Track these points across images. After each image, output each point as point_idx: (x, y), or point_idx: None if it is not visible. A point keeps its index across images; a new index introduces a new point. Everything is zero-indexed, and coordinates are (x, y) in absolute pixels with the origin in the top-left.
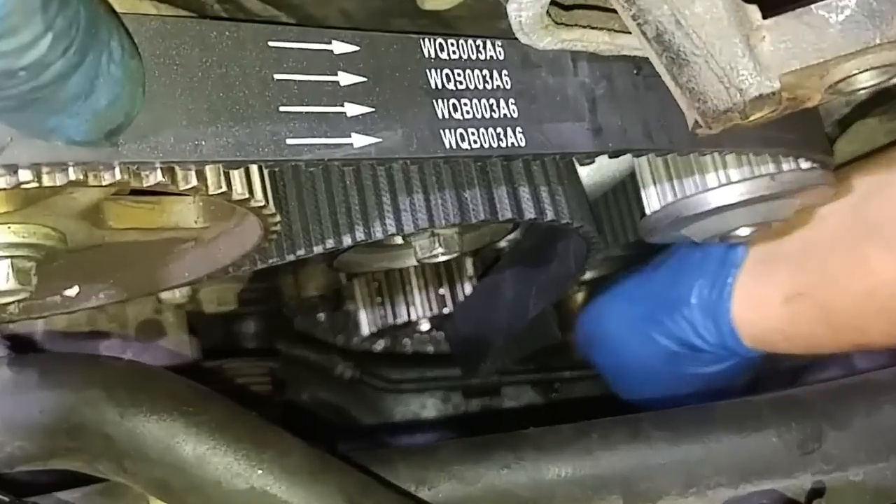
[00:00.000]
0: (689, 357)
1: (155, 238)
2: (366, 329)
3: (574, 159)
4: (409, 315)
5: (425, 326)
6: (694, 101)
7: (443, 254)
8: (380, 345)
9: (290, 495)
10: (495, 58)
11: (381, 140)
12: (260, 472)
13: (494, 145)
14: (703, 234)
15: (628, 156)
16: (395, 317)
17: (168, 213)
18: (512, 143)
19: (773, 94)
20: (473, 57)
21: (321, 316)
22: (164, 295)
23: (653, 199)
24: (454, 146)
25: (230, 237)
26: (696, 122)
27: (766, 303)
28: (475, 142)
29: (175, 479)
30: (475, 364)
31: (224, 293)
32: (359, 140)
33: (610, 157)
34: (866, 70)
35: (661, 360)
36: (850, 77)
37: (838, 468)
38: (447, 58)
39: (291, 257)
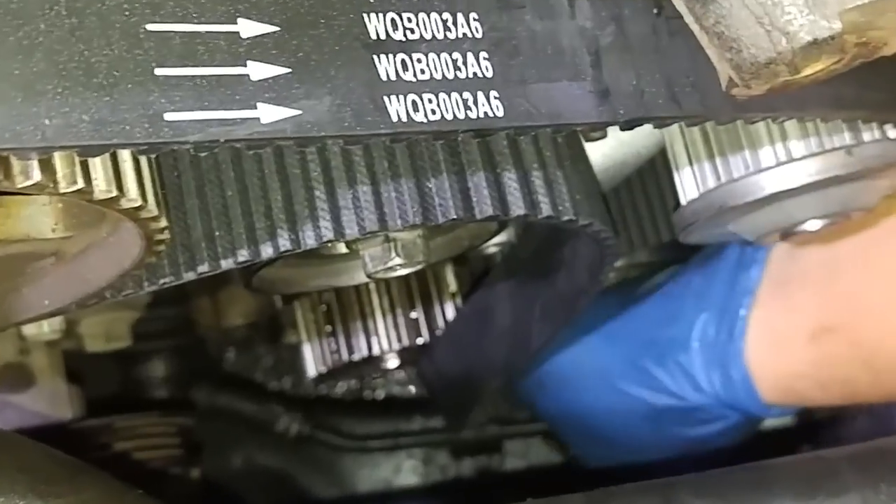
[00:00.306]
0: (678, 415)
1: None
2: (312, 368)
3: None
4: (369, 349)
5: (393, 363)
6: (725, 51)
7: (402, 265)
8: (339, 389)
9: None
10: None
11: (299, 112)
12: None
13: (461, 116)
14: (757, 231)
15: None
16: (350, 351)
17: (14, 218)
18: (485, 113)
19: (833, 38)
20: None
21: (258, 353)
22: (28, 330)
23: (689, 185)
24: (404, 118)
25: (102, 250)
26: (731, 79)
27: (789, 341)
28: (433, 112)
29: None
30: (463, 412)
31: (114, 325)
32: (269, 113)
33: (622, 129)
34: None
35: (640, 418)
36: None
37: None
38: None
39: (191, 275)
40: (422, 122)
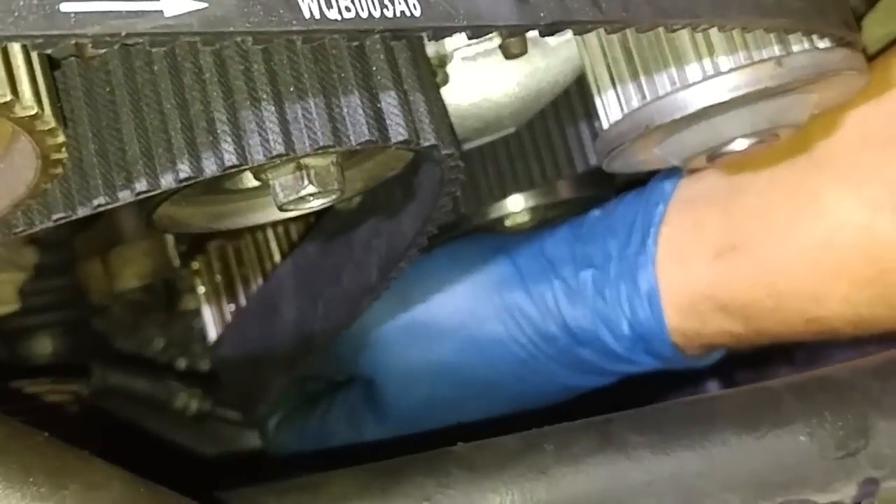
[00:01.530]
0: (563, 354)
1: None
2: (213, 331)
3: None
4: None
5: None
6: None
7: (315, 195)
8: None
9: None
10: None
11: (206, 6)
12: None
13: (376, 15)
14: (684, 153)
15: (573, 54)
16: None
17: None
18: (402, 13)
19: None
20: None
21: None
22: None
23: (612, 107)
24: (317, 15)
25: None
26: None
27: (695, 257)
28: (347, 9)
29: None
30: (251, 404)
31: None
32: (173, 5)
33: (543, 34)
34: None
35: (511, 360)
36: None
37: (894, 473)
38: None
39: (85, 210)
40: (335, 20)
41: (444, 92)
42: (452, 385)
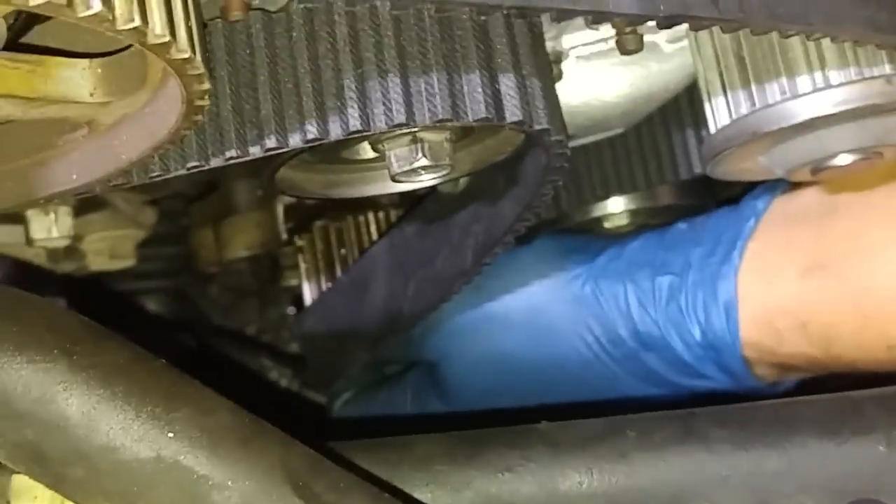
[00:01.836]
0: (629, 360)
1: (35, 115)
2: None
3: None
4: None
5: None
6: None
7: (427, 168)
8: None
9: (212, 468)
10: None
11: None
12: (171, 435)
13: None
14: (788, 163)
15: (685, 61)
16: None
17: (54, 78)
18: None
19: None
20: None
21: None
22: (37, 234)
23: (721, 112)
24: None
25: (137, 122)
26: None
27: (780, 273)
28: None
29: (52, 442)
30: (330, 377)
31: (119, 243)
32: None
33: (660, 26)
34: None
35: (576, 360)
36: None
37: None
38: None
39: (217, 161)
40: None
41: (557, 88)
42: (516, 377)
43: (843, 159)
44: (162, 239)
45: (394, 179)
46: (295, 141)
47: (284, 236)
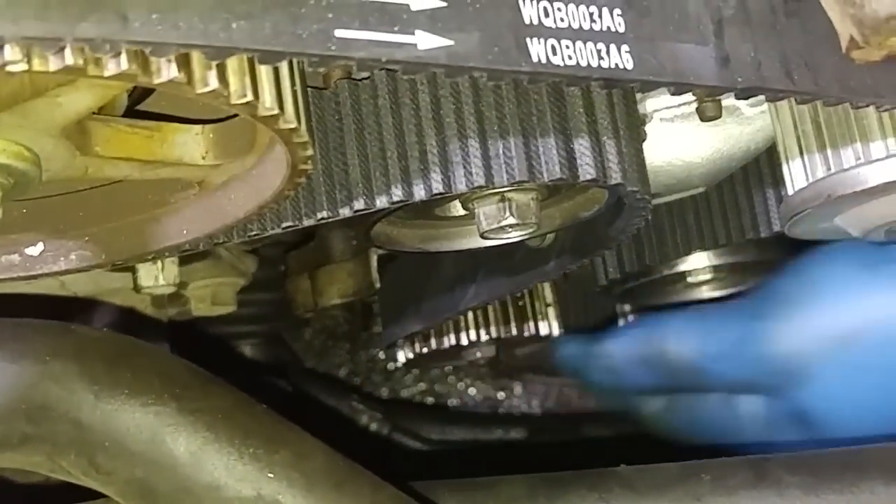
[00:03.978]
0: None
1: (151, 176)
2: (401, 355)
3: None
4: (457, 337)
5: (488, 352)
6: (849, 7)
7: (514, 226)
8: (419, 391)
9: None
10: None
11: (452, 43)
12: (271, 476)
13: (594, 64)
14: (863, 225)
15: (765, 124)
16: (439, 339)
17: (170, 143)
18: (616, 65)
19: None
20: None
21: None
22: (144, 281)
23: (797, 174)
24: (543, 59)
25: (244, 182)
26: (852, 38)
27: None
28: (569, 57)
29: (162, 480)
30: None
31: (220, 290)
32: (425, 40)
33: (738, 97)
34: None
35: None
36: None
37: None
38: None
39: (310, 221)
40: (558, 66)
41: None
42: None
43: None
44: (260, 285)
45: (482, 236)
46: (382, 202)
47: (378, 284)
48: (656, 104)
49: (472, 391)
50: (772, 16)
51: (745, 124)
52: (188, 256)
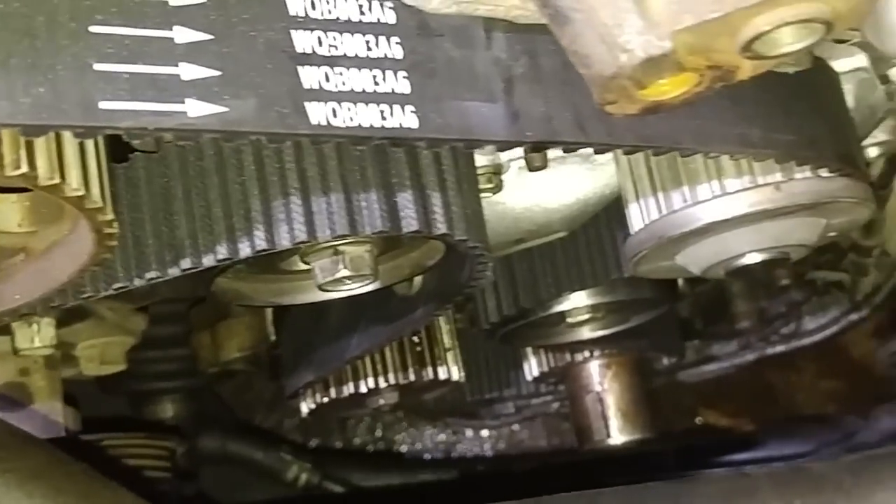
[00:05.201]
0: None
1: None
2: (303, 406)
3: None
4: (356, 386)
5: (391, 398)
6: (581, 68)
7: (350, 278)
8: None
9: None
10: (384, 21)
11: (226, 110)
12: None
13: (377, 124)
14: (700, 263)
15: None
16: (338, 387)
17: None
18: (400, 124)
19: (666, 55)
20: (355, 19)
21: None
22: (22, 344)
23: (635, 217)
24: (323, 122)
25: (64, 247)
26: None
27: None
28: (351, 119)
29: None
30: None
31: (108, 349)
32: (196, 108)
33: (529, 152)
34: (783, 26)
35: None
36: (765, 35)
37: None
38: (320, 17)
39: (140, 281)
40: (339, 127)
41: (500, 197)
42: None
43: (751, 258)
44: (173, 341)
45: (320, 289)
46: (208, 261)
47: (273, 338)
48: (511, 154)
49: (426, 435)
50: (564, 72)
51: (598, 170)
52: (69, 317)
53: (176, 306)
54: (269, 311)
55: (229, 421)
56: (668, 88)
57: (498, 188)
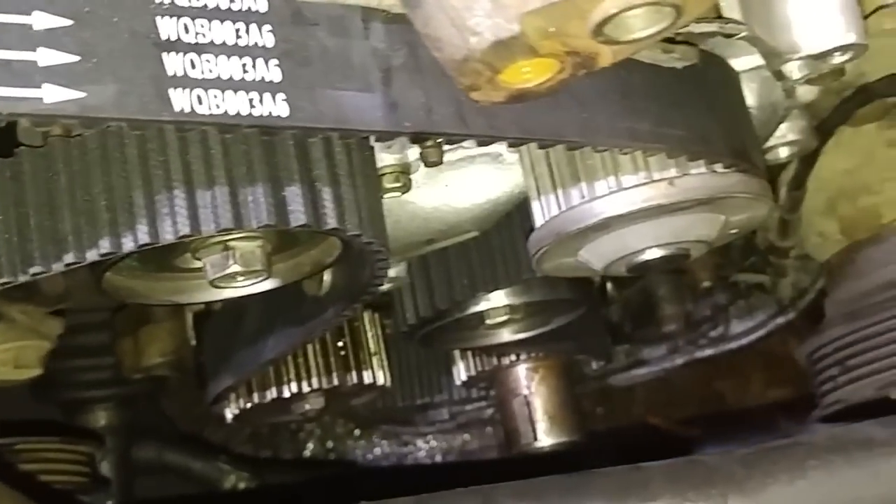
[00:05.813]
0: None
1: None
2: (227, 411)
3: None
4: (279, 391)
5: (316, 404)
6: (435, 51)
7: (241, 273)
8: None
9: None
10: (255, 10)
11: (84, 95)
12: None
13: (244, 112)
14: (602, 259)
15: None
16: (261, 392)
17: None
18: (269, 112)
19: (516, 38)
20: (224, 7)
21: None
22: None
23: (537, 214)
24: (187, 109)
25: None
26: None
27: None
28: (217, 106)
29: None
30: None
31: (22, 353)
32: (53, 93)
33: (411, 142)
34: (631, 8)
35: None
36: (614, 18)
37: None
38: (187, 4)
39: (25, 277)
40: (204, 115)
41: (410, 196)
42: None
43: (651, 254)
44: (102, 349)
45: (212, 285)
46: (91, 256)
47: (193, 342)
48: (417, 153)
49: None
50: None
51: (507, 170)
52: None
53: (103, 314)
54: (189, 316)
55: (169, 431)
56: (531, 76)
57: (406, 187)
